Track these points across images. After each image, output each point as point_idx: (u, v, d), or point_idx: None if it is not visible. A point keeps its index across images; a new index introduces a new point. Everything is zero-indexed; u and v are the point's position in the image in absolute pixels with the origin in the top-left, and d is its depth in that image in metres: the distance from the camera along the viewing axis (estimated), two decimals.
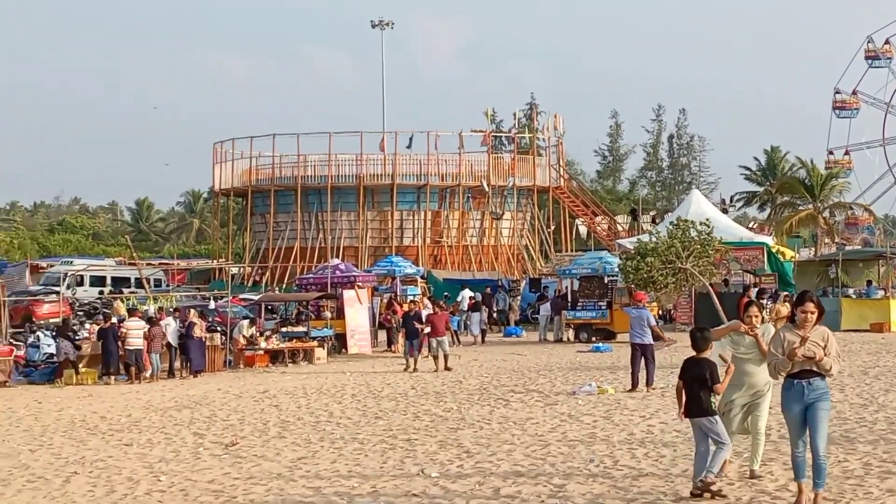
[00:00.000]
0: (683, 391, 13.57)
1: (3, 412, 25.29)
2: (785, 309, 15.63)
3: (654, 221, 65.60)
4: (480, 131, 71.30)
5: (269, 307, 44.24)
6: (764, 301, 34.55)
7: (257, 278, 66.29)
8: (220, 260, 73.23)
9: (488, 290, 52.22)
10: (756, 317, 14.14)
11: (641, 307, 26.13)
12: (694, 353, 13.70)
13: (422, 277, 53.79)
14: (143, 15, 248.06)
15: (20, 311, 45.73)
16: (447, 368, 32.08)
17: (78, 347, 33.07)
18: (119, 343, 32.64)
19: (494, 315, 51.31)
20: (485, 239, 68.64)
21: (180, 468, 16.88)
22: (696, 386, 13.40)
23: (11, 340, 34.93)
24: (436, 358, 32.67)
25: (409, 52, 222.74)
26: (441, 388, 27.23)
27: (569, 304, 43.54)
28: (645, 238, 42.39)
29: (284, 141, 68.55)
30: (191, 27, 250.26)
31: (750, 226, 69.26)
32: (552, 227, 73.69)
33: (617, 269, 42.01)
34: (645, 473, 15.00)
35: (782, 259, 47.59)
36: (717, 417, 13.39)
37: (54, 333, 34.53)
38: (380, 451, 17.71)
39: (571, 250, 69.34)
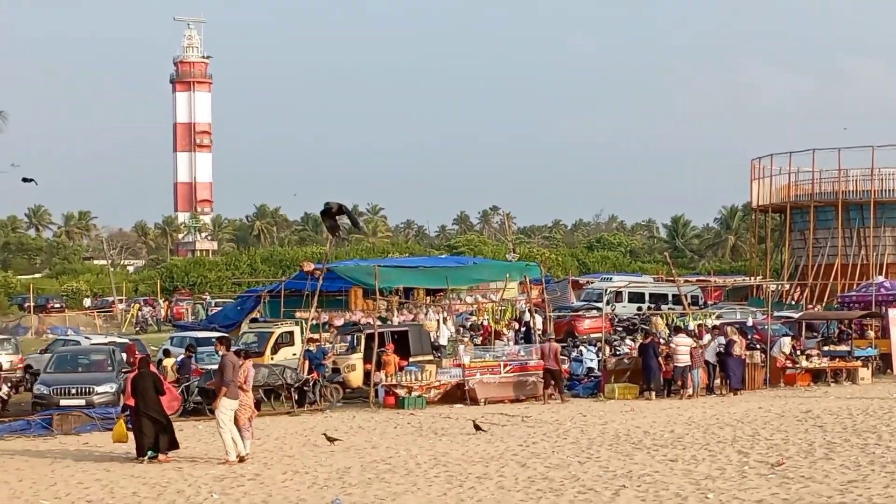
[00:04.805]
0: None
1: (552, 424, 26.23)
2: None
3: None
4: None
5: (810, 325, 43.27)
6: None
7: (796, 296, 65.01)
8: (758, 277, 72.39)
9: None
10: None
11: None
12: None
13: None
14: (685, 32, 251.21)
15: (563, 325, 47.13)
16: None
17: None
18: (659, 359, 33.02)
19: None
20: None
21: (727, 486, 16.81)
22: None
23: None
24: None
25: None
26: None
27: None
28: None
29: (824, 155, 66.95)
30: (731, 43, 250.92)
31: None
32: None
33: None
34: None
35: None
36: None
37: (597, 349, 35.37)
38: None
39: None
